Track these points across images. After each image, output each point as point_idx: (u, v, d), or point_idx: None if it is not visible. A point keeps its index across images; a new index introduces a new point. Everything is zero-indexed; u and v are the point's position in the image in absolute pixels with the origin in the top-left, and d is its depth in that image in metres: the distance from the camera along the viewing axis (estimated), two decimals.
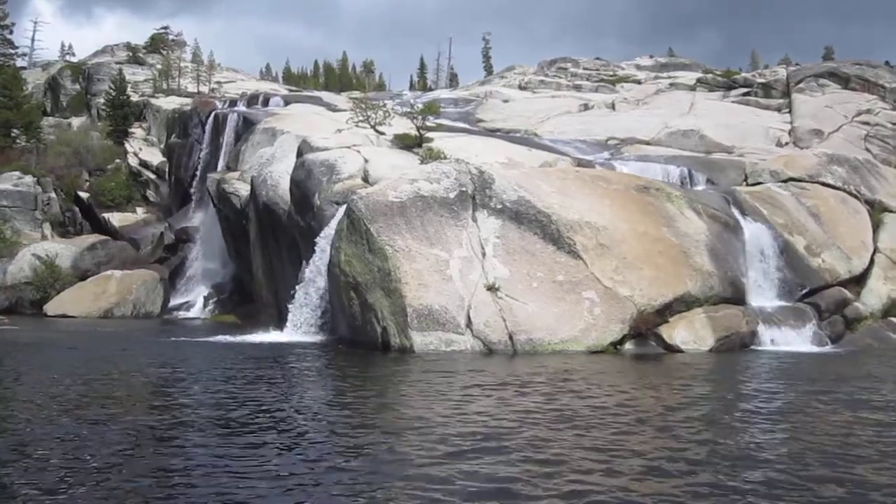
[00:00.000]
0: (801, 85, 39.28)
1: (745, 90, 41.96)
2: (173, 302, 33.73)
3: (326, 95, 52.78)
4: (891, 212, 23.88)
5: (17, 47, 61.71)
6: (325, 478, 6.47)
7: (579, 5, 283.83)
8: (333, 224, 19.80)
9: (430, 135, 26.86)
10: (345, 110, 35.43)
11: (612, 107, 41.61)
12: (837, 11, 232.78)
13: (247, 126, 36.96)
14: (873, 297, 21.24)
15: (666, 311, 18.07)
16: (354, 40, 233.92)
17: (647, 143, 31.64)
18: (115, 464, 6.80)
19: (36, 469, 6.62)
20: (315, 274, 20.31)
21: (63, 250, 34.63)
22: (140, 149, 46.80)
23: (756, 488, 6.21)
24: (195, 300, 33.59)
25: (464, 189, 18.81)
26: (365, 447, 7.54)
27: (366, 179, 22.73)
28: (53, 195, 41.61)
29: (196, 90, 55.69)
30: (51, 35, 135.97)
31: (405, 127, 27.42)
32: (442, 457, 7.04)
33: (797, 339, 18.91)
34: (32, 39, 75.84)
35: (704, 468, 6.80)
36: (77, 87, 60.45)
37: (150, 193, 44.12)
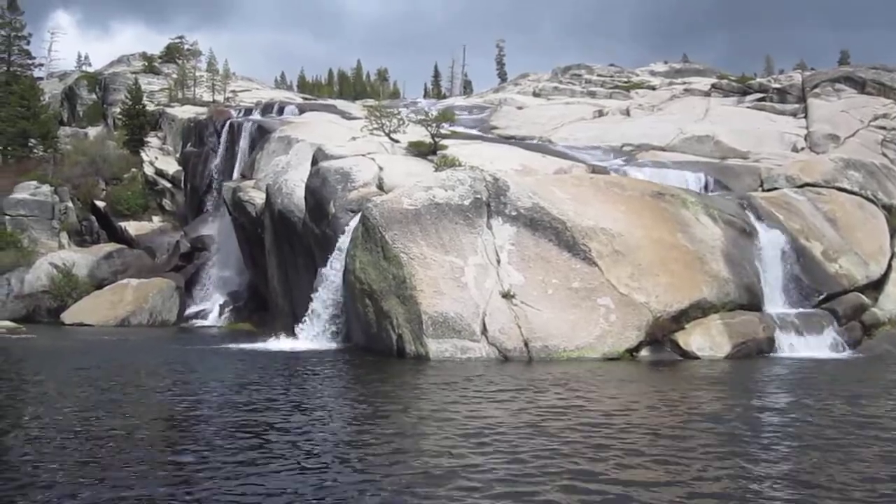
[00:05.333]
0: (816, 90, 39.06)
1: (760, 95, 41.73)
2: (189, 310, 33.83)
3: (341, 103, 52.91)
4: None
5: (34, 58, 62.28)
6: (341, 489, 6.48)
7: (589, 13, 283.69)
8: (348, 232, 19.85)
9: (444, 142, 26.90)
10: (359, 118, 35.51)
11: (627, 113, 41.47)
12: (846, 18, 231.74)
13: (262, 134, 37.06)
14: (891, 302, 21.09)
15: (682, 318, 17.99)
16: (366, 51, 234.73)
17: (662, 150, 31.50)
18: (131, 471, 6.83)
19: (48, 474, 6.66)
20: (330, 281, 20.34)
21: (80, 259, 34.81)
22: (156, 158, 47.02)
23: None
24: (211, 308, 33.67)
25: (478, 196, 18.80)
26: (383, 456, 7.54)
27: (380, 187, 22.77)
28: (70, 204, 41.88)
29: (211, 99, 55.96)
30: (68, 46, 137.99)
31: (419, 134, 27.47)
32: (460, 467, 7.04)
33: (814, 346, 18.79)
34: (49, 50, 76.37)
35: (722, 486, 6.77)
36: (93, 96, 60.86)
37: (166, 202, 44.32)
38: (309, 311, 20.73)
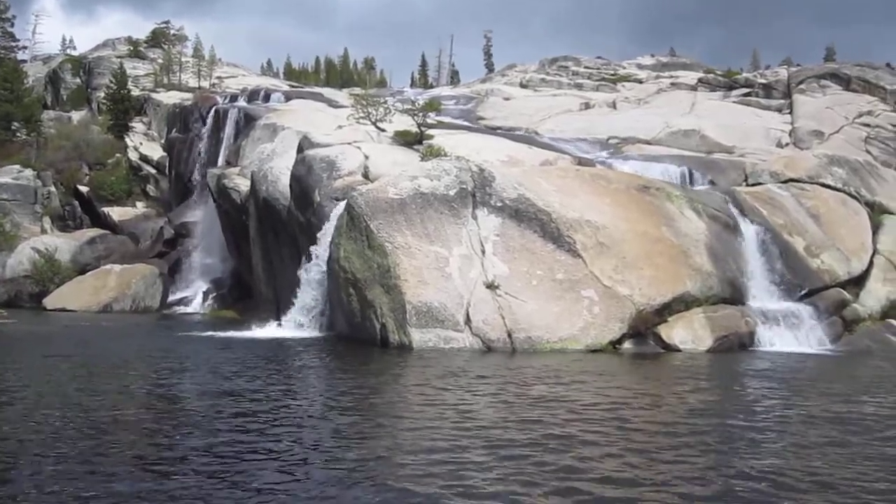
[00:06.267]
0: (802, 86, 39.20)
1: (746, 90, 41.84)
2: (172, 297, 33.68)
3: (327, 91, 52.64)
4: (890, 213, 23.84)
5: (18, 40, 61.72)
6: (321, 482, 6.48)
7: (578, 5, 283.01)
8: (333, 220, 19.81)
9: (430, 132, 26.85)
10: (346, 107, 35.38)
11: (613, 106, 41.51)
12: (835, 15, 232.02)
13: (247, 121, 36.90)
14: (872, 298, 21.23)
15: (665, 311, 18.07)
16: (353, 40, 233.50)
17: (648, 143, 31.58)
18: (106, 464, 6.81)
19: (31, 467, 6.63)
20: (314, 270, 20.31)
21: (62, 244, 34.60)
22: (140, 143, 46.65)
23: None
24: (194, 295, 33.53)
25: (464, 186, 18.80)
26: (365, 448, 7.55)
27: (366, 176, 22.73)
28: (53, 189, 41.56)
29: (197, 85, 55.54)
30: (52, 30, 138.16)
31: (406, 124, 27.42)
32: (437, 456, 7.05)
33: (796, 340, 18.90)
34: (33, 33, 75.39)
35: (705, 481, 6.81)
36: (77, 80, 60.23)
37: (150, 188, 44.02)
38: (293, 300, 20.70)
